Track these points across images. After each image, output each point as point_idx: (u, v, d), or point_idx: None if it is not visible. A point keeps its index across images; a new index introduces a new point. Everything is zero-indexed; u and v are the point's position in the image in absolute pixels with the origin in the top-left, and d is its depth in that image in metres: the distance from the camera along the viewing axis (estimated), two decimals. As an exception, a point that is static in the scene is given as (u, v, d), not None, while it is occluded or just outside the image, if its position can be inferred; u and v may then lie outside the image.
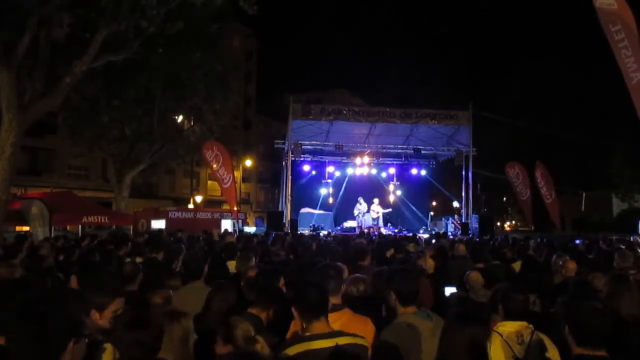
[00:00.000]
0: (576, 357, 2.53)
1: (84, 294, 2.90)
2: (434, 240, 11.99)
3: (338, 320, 3.13)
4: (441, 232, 19.59)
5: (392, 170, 26.15)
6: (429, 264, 6.49)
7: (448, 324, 2.61)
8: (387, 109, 22.28)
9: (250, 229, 22.43)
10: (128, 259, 5.58)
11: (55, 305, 1.84)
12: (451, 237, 15.05)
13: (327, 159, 25.49)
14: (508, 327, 3.04)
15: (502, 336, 2.98)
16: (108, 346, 2.59)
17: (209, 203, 37.95)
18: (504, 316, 3.18)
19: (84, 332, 1.89)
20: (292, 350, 2.69)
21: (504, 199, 43.46)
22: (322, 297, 2.87)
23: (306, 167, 25.02)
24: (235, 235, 12.82)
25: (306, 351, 2.66)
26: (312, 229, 20.97)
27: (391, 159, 25.80)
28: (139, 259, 6.51)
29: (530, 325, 3.05)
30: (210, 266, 5.16)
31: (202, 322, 3.27)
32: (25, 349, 1.68)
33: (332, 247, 7.92)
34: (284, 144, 23.96)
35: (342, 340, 2.69)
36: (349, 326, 3.08)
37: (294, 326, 3.25)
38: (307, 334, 2.82)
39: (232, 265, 5.76)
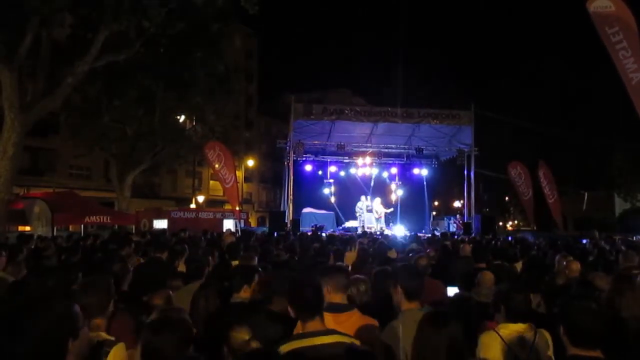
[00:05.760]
0: (571, 358, 2.51)
1: (79, 295, 2.89)
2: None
3: (347, 320, 3.13)
4: (442, 232, 19.59)
5: (394, 170, 26.13)
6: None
7: (422, 324, 2.58)
8: (389, 109, 22.26)
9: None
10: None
11: (42, 311, 1.80)
12: (455, 237, 15.01)
13: (329, 158, 25.48)
14: (509, 329, 3.02)
15: (502, 338, 2.96)
16: (120, 345, 2.59)
17: (211, 203, 37.97)
18: (505, 317, 3.17)
19: (79, 326, 1.86)
20: (287, 347, 2.70)
21: (506, 198, 43.40)
22: (317, 296, 2.87)
23: (308, 167, 25.01)
24: (238, 235, 12.81)
25: (301, 348, 2.67)
26: (314, 228, 20.96)
27: (393, 158, 25.78)
28: (137, 260, 6.53)
29: (533, 325, 3.03)
30: (215, 266, 5.17)
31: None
32: (16, 354, 1.65)
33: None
34: (285, 143, 23.95)
35: (335, 339, 2.69)
36: (357, 327, 3.08)
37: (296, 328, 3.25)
38: (301, 331, 2.82)
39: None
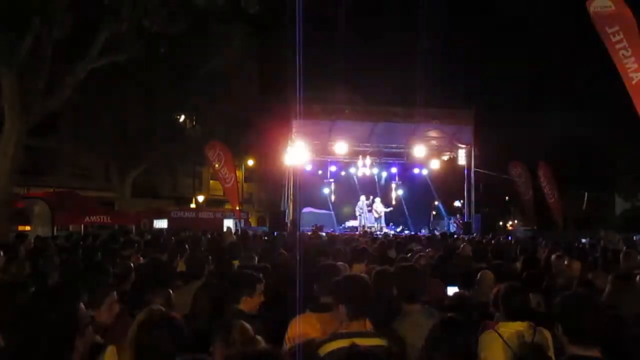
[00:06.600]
0: (569, 358, 2.51)
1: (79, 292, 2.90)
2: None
3: (332, 320, 3.13)
4: (442, 232, 19.61)
5: (393, 170, 26.07)
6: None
7: (436, 330, 2.59)
8: (389, 108, 22.24)
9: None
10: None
11: (54, 305, 1.83)
12: (455, 237, 15.02)
13: (328, 158, 25.43)
14: (509, 328, 3.03)
15: (502, 337, 2.97)
16: (111, 348, 2.58)
17: (211, 203, 37.93)
18: (505, 317, 3.17)
19: (85, 323, 1.87)
20: (333, 345, 2.71)
21: (506, 198, 43.32)
22: (370, 298, 2.90)
23: (308, 167, 25.00)
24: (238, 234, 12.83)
25: (344, 347, 2.69)
26: (314, 228, 20.95)
27: (393, 158, 25.73)
28: (137, 259, 6.53)
29: (532, 324, 3.04)
30: (216, 266, 5.18)
31: (192, 321, 3.30)
32: (25, 350, 1.67)
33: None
34: (285, 143, 23.92)
35: (376, 342, 2.72)
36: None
37: (293, 328, 3.25)
38: (346, 330, 2.83)
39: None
